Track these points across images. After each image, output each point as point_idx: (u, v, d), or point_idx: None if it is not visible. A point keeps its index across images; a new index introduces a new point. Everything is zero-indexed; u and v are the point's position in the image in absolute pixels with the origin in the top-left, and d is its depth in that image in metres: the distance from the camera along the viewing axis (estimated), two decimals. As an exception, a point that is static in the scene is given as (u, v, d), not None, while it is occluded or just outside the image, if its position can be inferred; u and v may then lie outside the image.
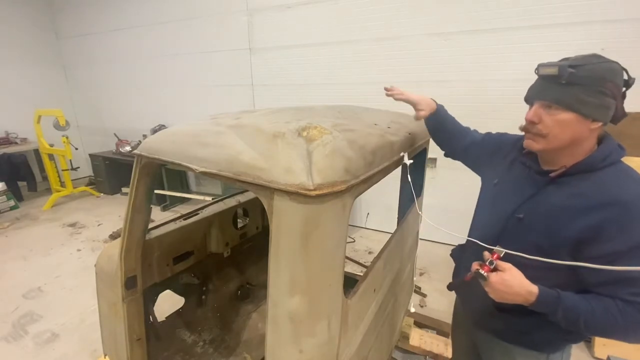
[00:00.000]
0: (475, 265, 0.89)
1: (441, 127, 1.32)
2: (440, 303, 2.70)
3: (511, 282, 0.84)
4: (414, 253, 2.01)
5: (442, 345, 1.98)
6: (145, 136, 5.20)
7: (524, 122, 0.93)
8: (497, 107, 3.12)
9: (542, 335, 0.99)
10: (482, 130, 1.36)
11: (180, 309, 2.00)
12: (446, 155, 1.40)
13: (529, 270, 0.86)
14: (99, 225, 4.34)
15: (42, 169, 5.49)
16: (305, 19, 3.85)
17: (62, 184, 5.28)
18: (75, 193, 5.33)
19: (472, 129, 1.36)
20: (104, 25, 5.41)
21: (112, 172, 5.49)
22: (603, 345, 2.11)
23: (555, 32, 2.82)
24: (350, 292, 0.99)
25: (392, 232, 1.42)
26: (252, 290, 2.30)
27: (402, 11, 3.36)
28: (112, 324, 1.45)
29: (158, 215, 4.48)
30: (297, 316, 0.81)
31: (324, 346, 0.86)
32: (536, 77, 0.93)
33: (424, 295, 2.83)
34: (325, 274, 0.82)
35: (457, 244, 1.28)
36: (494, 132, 1.28)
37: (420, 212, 1.48)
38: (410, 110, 1.47)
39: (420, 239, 2.16)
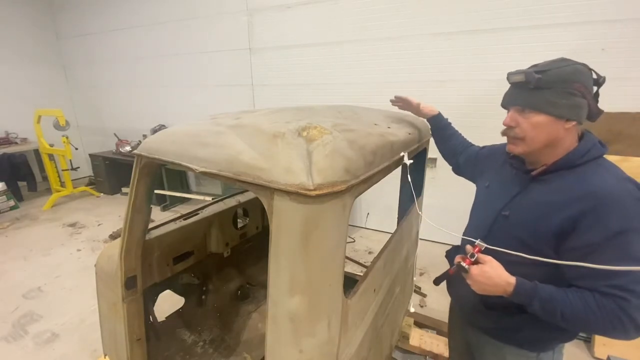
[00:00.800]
0: (457, 258, 0.94)
1: (444, 129, 1.44)
2: (440, 303, 2.70)
3: (490, 274, 0.88)
4: (414, 253, 2.01)
5: (442, 345, 1.98)
6: (145, 136, 5.20)
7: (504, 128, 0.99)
8: (497, 107, 3.10)
9: (531, 333, 1.00)
10: (482, 130, 1.38)
11: (180, 309, 2.00)
12: (447, 160, 1.48)
13: (515, 267, 0.88)
14: (99, 225, 4.34)
15: (42, 169, 5.49)
16: (305, 19, 3.85)
17: (62, 184, 5.28)
18: (75, 193, 5.33)
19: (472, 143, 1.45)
20: (104, 25, 5.41)
21: (112, 172, 5.49)
22: (603, 345, 2.11)
23: (555, 32, 2.82)
24: (350, 292, 0.99)
25: (392, 232, 1.42)
26: (252, 290, 2.30)
27: (402, 11, 3.36)
28: (112, 324, 1.45)
29: (158, 215, 4.48)
30: (297, 316, 0.81)
31: (324, 346, 0.86)
32: None
33: (424, 295, 2.83)
34: (325, 274, 0.82)
35: (452, 245, 1.30)
36: (488, 133, 1.34)
37: (420, 212, 1.48)
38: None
39: (420, 239, 2.16)
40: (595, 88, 0.89)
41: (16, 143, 5.32)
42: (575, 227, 0.83)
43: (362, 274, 1.19)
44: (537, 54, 2.84)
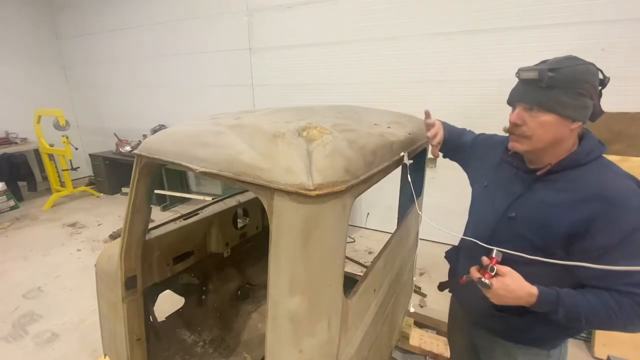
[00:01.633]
0: (475, 273, 0.90)
1: (452, 146, 1.35)
2: (440, 303, 2.70)
3: (513, 287, 0.85)
4: (414, 253, 2.01)
5: (442, 345, 1.98)
6: (145, 136, 5.20)
7: (507, 124, 0.97)
8: (497, 107, 3.11)
9: (541, 332, 1.00)
10: (483, 130, 1.37)
11: (180, 309, 2.00)
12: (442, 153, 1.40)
13: (523, 267, 0.87)
14: (99, 225, 4.34)
15: (42, 169, 5.49)
16: (305, 19, 3.85)
17: (62, 184, 5.28)
18: (75, 193, 5.33)
19: (467, 129, 1.39)
20: (104, 25, 5.41)
21: (112, 172, 5.49)
22: (603, 345, 2.11)
23: (555, 32, 2.82)
24: (350, 292, 0.99)
25: (392, 232, 1.42)
26: (252, 290, 2.30)
27: (402, 11, 3.36)
28: (112, 324, 1.45)
29: (158, 215, 4.48)
30: (297, 316, 0.81)
31: (324, 346, 0.86)
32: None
33: (424, 295, 2.83)
34: (325, 274, 0.82)
35: (452, 246, 1.30)
36: (489, 132, 1.31)
37: (420, 212, 1.48)
38: (410, 111, 1.48)
39: (420, 239, 2.16)
40: (599, 88, 0.88)
41: (16, 143, 5.32)
42: (587, 230, 0.82)
43: (362, 274, 1.19)
44: (537, 54, 2.83)
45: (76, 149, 5.18)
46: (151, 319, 1.67)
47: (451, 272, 1.28)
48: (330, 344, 0.88)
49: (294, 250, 0.78)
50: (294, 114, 1.07)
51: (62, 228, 4.25)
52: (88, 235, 4.04)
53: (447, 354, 1.91)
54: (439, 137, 1.22)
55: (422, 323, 2.19)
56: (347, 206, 0.81)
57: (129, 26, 5.16)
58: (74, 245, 3.77)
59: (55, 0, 5.79)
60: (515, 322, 1.01)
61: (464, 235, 1.18)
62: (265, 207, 0.78)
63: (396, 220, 2.01)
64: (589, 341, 2.22)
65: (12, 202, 4.78)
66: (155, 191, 4.62)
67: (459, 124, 1.43)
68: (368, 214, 4.19)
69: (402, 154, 1.15)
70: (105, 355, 1.64)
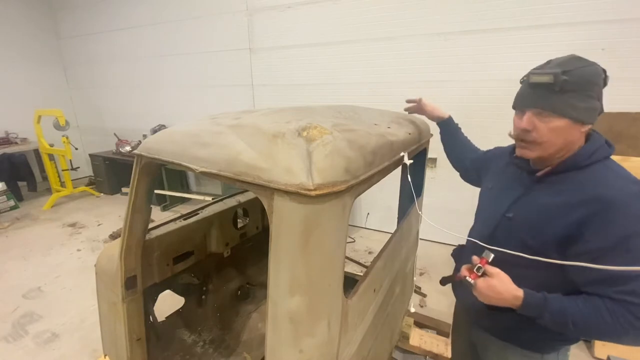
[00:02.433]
0: (464, 272, 0.92)
1: (454, 135, 1.43)
2: (440, 303, 2.70)
3: (498, 288, 0.86)
4: (414, 253, 2.01)
5: (442, 345, 1.98)
6: (145, 136, 5.20)
7: (511, 130, 0.96)
8: (497, 107, 3.12)
9: (533, 334, 0.99)
10: (485, 130, 1.38)
11: (180, 309, 2.00)
12: (454, 166, 1.47)
13: (518, 269, 0.87)
14: (99, 225, 4.34)
15: (42, 169, 5.49)
16: (305, 19, 3.85)
17: (62, 184, 5.28)
18: (75, 193, 5.33)
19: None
20: (104, 25, 5.41)
21: (112, 172, 5.49)
22: (603, 345, 2.11)
23: (555, 32, 2.82)
24: (350, 292, 0.99)
25: (392, 232, 1.42)
26: (252, 290, 2.30)
27: (402, 11, 3.36)
28: (112, 324, 1.45)
29: (158, 215, 4.48)
30: (297, 316, 0.81)
31: (324, 346, 0.86)
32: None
33: (424, 295, 2.83)
34: (325, 274, 0.82)
35: (457, 244, 1.30)
36: (488, 133, 1.33)
37: (420, 212, 1.48)
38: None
39: (420, 239, 2.16)
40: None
41: (16, 143, 5.32)
42: (582, 232, 0.81)
43: (362, 274, 1.19)
44: (537, 54, 2.85)
45: (76, 149, 5.18)
46: (151, 319, 1.67)
47: (455, 270, 1.29)
48: (330, 344, 0.88)
49: (294, 250, 0.78)
50: (294, 114, 1.07)
51: (62, 228, 4.25)
52: (88, 235, 4.04)
53: (447, 354, 1.91)
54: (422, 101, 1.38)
55: (422, 323, 2.19)
56: (347, 206, 0.81)
57: (129, 26, 5.16)
58: (74, 245, 3.77)
59: (55, 1, 5.79)
60: (504, 321, 1.01)
61: (469, 236, 1.18)
62: (265, 207, 0.78)
63: (396, 220, 2.01)
64: (589, 341, 2.22)
65: (12, 202, 4.78)
66: (155, 191, 4.62)
67: (460, 124, 1.44)
68: (368, 214, 4.19)
69: (402, 154, 1.15)
70: (105, 355, 1.64)
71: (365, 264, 2.85)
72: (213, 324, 2.04)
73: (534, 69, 0.89)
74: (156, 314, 1.73)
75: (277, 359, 0.87)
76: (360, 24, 3.58)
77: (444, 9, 3.18)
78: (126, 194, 4.69)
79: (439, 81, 3.37)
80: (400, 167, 1.19)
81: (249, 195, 2.11)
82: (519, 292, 0.85)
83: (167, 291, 1.81)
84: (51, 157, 5.14)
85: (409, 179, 1.18)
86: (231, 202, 2.02)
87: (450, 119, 1.43)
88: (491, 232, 1.03)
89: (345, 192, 0.78)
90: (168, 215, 2.07)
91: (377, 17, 3.48)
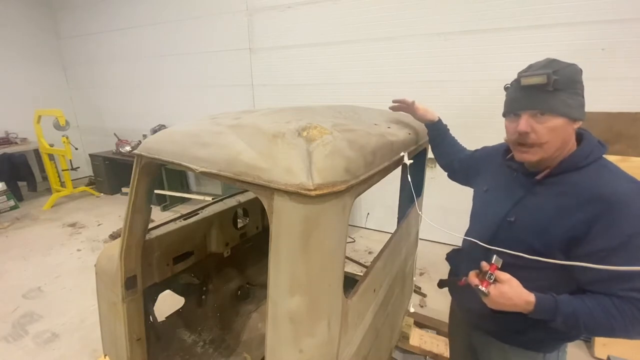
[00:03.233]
0: (474, 280, 0.90)
1: (442, 136, 1.42)
2: (440, 303, 2.70)
3: (510, 295, 0.85)
4: (414, 253, 2.01)
5: (442, 345, 1.98)
6: (145, 136, 5.20)
7: (505, 136, 0.97)
8: (497, 107, 3.11)
9: (536, 334, 0.99)
10: (484, 130, 1.37)
11: (180, 309, 2.00)
12: (442, 166, 1.46)
13: (523, 271, 0.87)
14: (99, 225, 4.34)
15: (42, 169, 5.49)
16: (305, 19, 3.85)
17: (62, 184, 5.28)
18: (75, 193, 5.33)
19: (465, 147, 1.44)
20: (104, 25, 5.41)
21: (112, 172, 5.49)
22: (603, 345, 2.11)
23: (555, 32, 2.82)
24: (350, 292, 0.99)
25: (392, 232, 1.42)
26: (252, 290, 2.30)
27: (402, 11, 3.36)
28: (112, 324, 1.45)
29: (158, 215, 4.48)
30: (297, 316, 0.81)
31: (324, 346, 0.86)
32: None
33: (424, 295, 2.83)
34: (325, 274, 0.82)
35: (452, 247, 1.29)
36: (488, 132, 1.32)
37: (420, 212, 1.48)
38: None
39: (420, 239, 2.16)
40: None
41: (16, 143, 5.32)
42: (588, 232, 0.81)
43: (362, 274, 1.19)
44: (537, 54, 2.84)
45: (76, 149, 5.18)
46: (151, 319, 1.67)
47: (451, 273, 1.28)
48: (330, 344, 0.88)
49: (294, 250, 0.78)
50: (294, 114, 1.07)
51: (62, 228, 4.25)
52: (88, 235, 4.04)
53: (447, 354, 1.91)
54: (408, 101, 1.38)
55: (422, 323, 2.19)
56: (347, 206, 0.81)
57: (129, 26, 5.16)
58: (74, 245, 3.77)
59: (55, 1, 5.79)
60: (510, 324, 1.00)
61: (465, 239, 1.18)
62: (265, 207, 0.78)
63: (396, 220, 2.01)
64: (589, 341, 2.22)
65: (12, 202, 4.78)
66: (155, 191, 4.62)
67: (458, 123, 1.45)
68: (368, 214, 4.19)
69: (402, 154, 1.15)
70: (105, 355, 1.64)
71: (365, 264, 2.86)
72: (213, 324, 2.04)
73: (521, 72, 0.90)
74: (156, 314, 1.73)
75: (277, 359, 0.87)
76: (360, 24, 3.58)
77: (444, 9, 3.18)
78: (126, 194, 4.69)
79: (439, 81, 3.36)
80: (400, 167, 1.19)
81: (249, 195, 2.11)
82: (531, 297, 0.84)
83: (167, 291, 1.81)
84: (51, 157, 5.14)
85: (409, 179, 1.19)
86: (231, 202, 2.02)
87: (439, 121, 1.42)
88: (492, 235, 1.01)
89: (345, 192, 0.78)
90: (168, 215, 2.07)
91: (377, 17, 3.48)
